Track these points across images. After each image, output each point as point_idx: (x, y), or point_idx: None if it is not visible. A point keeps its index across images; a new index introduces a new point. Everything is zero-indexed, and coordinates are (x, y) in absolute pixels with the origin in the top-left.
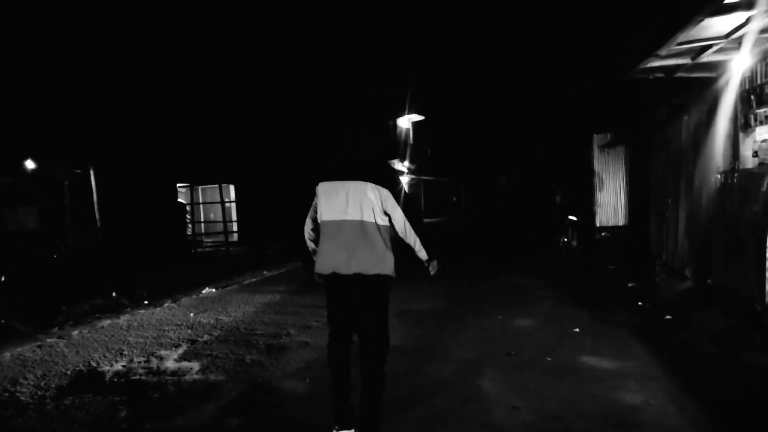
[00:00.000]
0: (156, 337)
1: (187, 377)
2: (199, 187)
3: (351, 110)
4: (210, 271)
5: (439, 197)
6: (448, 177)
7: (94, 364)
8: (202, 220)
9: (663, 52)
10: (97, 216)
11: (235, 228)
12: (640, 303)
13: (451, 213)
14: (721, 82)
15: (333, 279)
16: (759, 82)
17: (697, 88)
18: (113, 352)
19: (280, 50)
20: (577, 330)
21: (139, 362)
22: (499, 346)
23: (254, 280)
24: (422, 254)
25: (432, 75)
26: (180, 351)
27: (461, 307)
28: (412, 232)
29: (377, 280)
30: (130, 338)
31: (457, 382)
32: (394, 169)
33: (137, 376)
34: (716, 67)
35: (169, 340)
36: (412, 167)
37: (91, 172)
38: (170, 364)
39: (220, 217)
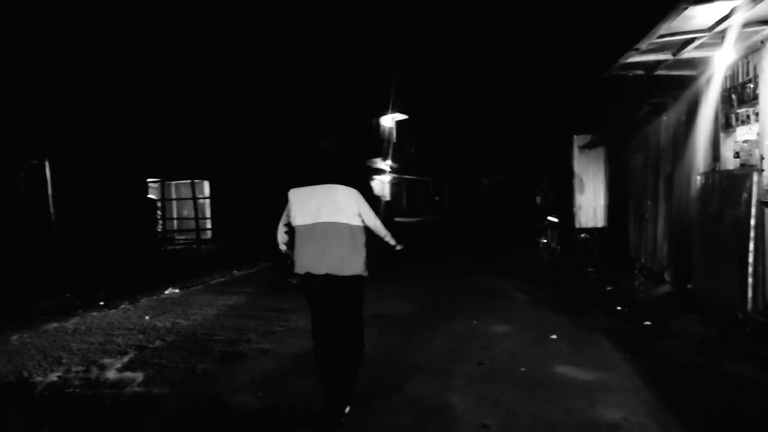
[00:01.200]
0: (102, 343)
1: (127, 390)
2: (172, 183)
3: (332, 109)
4: (177, 270)
5: (422, 196)
6: (431, 176)
7: (25, 374)
8: (175, 216)
9: (644, 45)
10: (52, 211)
11: (208, 225)
12: (618, 308)
13: (434, 212)
14: (702, 80)
15: (307, 279)
16: (740, 80)
17: (677, 86)
18: (51, 360)
19: (260, 46)
20: (554, 336)
21: (77, 372)
22: (472, 354)
23: (222, 280)
24: (392, 241)
25: (417, 75)
26: (125, 359)
27: (434, 311)
28: (382, 227)
29: (349, 280)
30: (74, 344)
31: (424, 395)
32: (364, 170)
33: (72, 389)
34: (697, 64)
35: (115, 347)
36: (396, 166)
37: (47, 164)
38: (111, 375)
39: (193, 214)
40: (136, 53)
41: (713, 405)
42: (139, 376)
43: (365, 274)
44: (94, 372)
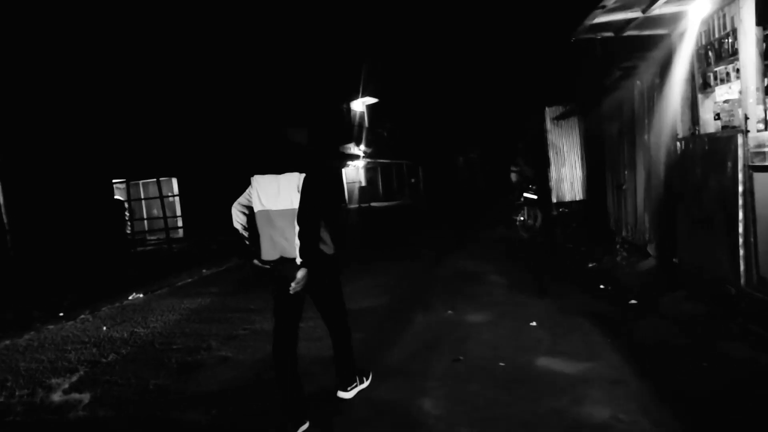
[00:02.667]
0: (53, 361)
1: (71, 414)
2: (140, 182)
3: (302, 96)
4: (144, 273)
5: (398, 180)
6: (405, 159)
7: None
8: (145, 216)
9: (610, 1)
10: (5, 220)
11: (179, 223)
12: (601, 286)
13: (410, 195)
14: (675, 38)
15: (281, 263)
16: (717, 35)
17: (649, 47)
18: None
19: (225, 34)
20: (534, 323)
21: (22, 396)
22: (447, 350)
23: (189, 280)
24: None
25: (385, 55)
26: (74, 378)
27: (408, 303)
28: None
29: (321, 260)
30: (23, 363)
31: (394, 402)
32: (335, 158)
33: (12, 416)
34: (669, 21)
35: (66, 364)
36: (369, 150)
37: None
38: (57, 397)
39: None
40: (91, 47)
41: (710, 393)
42: (85, 397)
43: (332, 252)
44: (39, 395)
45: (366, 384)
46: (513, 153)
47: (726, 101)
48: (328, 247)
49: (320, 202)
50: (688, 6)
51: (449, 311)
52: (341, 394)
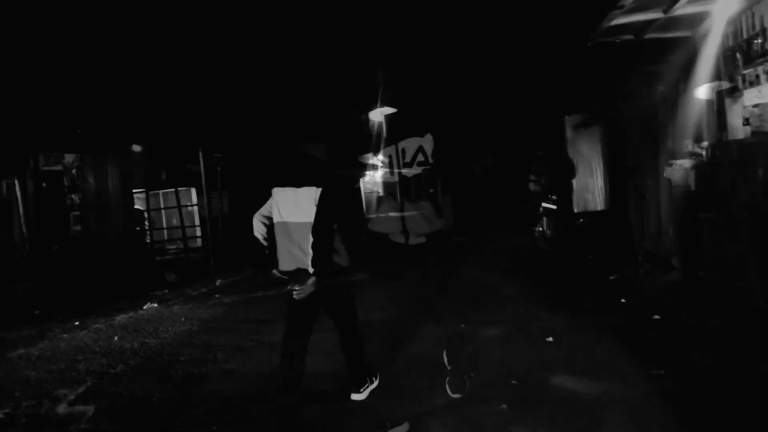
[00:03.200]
0: (62, 371)
1: (73, 427)
2: (160, 192)
3: (321, 107)
4: (160, 283)
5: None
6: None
7: None
8: (164, 226)
9: (628, 1)
10: (24, 230)
11: (198, 233)
12: (623, 300)
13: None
14: (699, 40)
15: (297, 274)
16: (745, 36)
17: (672, 50)
18: (3, 393)
19: (245, 47)
20: (551, 339)
21: (27, 407)
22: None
23: (203, 290)
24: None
25: (401, 63)
26: (81, 389)
27: (419, 315)
28: (316, 234)
29: (336, 272)
30: (33, 373)
31: (397, 421)
32: (354, 170)
33: (16, 428)
34: (692, 22)
35: (74, 375)
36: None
37: (16, 183)
38: (62, 409)
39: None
40: (115, 59)
41: (742, 417)
42: (90, 409)
43: (347, 264)
44: (45, 406)
45: (375, 383)
46: (530, 161)
47: (756, 105)
48: (342, 259)
49: (336, 216)
50: (713, 5)
51: (461, 325)
52: (354, 397)
